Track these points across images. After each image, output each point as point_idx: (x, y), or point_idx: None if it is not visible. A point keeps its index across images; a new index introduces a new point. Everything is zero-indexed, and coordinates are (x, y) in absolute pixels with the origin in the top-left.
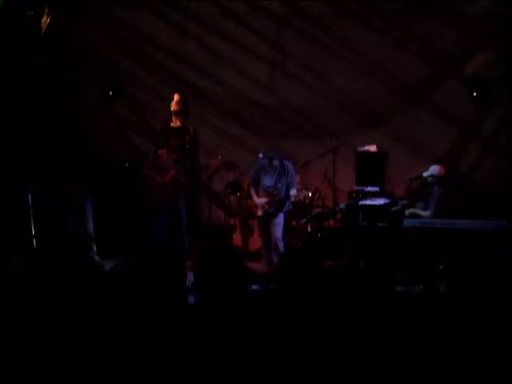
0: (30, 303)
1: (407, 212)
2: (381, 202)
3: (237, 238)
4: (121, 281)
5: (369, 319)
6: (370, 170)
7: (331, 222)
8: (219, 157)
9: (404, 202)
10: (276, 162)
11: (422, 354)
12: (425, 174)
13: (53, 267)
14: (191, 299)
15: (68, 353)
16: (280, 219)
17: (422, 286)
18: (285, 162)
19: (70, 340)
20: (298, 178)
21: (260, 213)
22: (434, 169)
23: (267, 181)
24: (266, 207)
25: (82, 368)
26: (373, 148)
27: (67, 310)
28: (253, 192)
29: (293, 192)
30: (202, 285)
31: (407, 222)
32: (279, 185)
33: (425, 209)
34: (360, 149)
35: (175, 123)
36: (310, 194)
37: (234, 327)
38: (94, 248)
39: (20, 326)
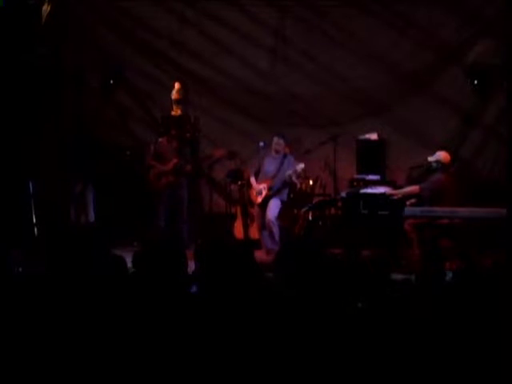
0: (31, 291)
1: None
2: (382, 190)
3: (237, 227)
4: (120, 268)
5: (368, 307)
6: (371, 158)
7: (332, 210)
8: (222, 148)
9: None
10: (282, 146)
11: (423, 343)
12: (430, 159)
13: (54, 255)
14: (193, 288)
15: (68, 341)
16: (276, 202)
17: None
18: (288, 154)
19: (68, 327)
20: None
21: (259, 200)
22: (440, 154)
23: (269, 166)
24: (265, 192)
25: (80, 357)
26: (374, 136)
27: (67, 298)
28: (252, 180)
29: (290, 171)
30: (205, 274)
31: (408, 211)
32: (280, 171)
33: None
34: (361, 137)
35: (176, 112)
36: (303, 166)
37: (237, 316)
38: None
39: (21, 314)
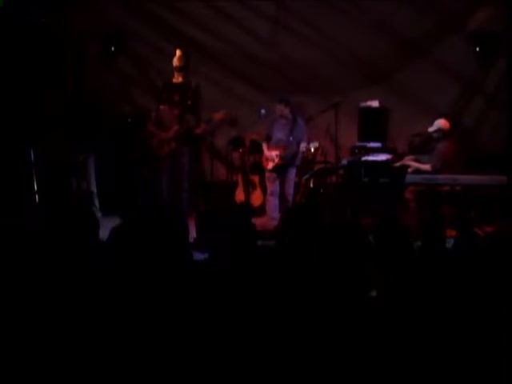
0: (31, 257)
1: (410, 168)
2: (383, 157)
3: (239, 194)
4: (123, 237)
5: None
6: (373, 125)
7: (334, 178)
8: (222, 111)
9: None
10: (287, 111)
11: (424, 309)
12: (430, 130)
13: (54, 222)
14: (197, 255)
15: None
16: (292, 175)
17: (420, 242)
18: (297, 118)
19: (66, 299)
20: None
21: (270, 166)
22: (439, 122)
23: (279, 134)
24: (277, 160)
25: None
26: (375, 103)
27: (66, 265)
28: (264, 147)
29: (303, 145)
30: (206, 240)
31: (409, 178)
32: (291, 138)
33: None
34: (362, 104)
35: (177, 79)
36: (318, 145)
37: (240, 282)
38: (97, 203)
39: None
